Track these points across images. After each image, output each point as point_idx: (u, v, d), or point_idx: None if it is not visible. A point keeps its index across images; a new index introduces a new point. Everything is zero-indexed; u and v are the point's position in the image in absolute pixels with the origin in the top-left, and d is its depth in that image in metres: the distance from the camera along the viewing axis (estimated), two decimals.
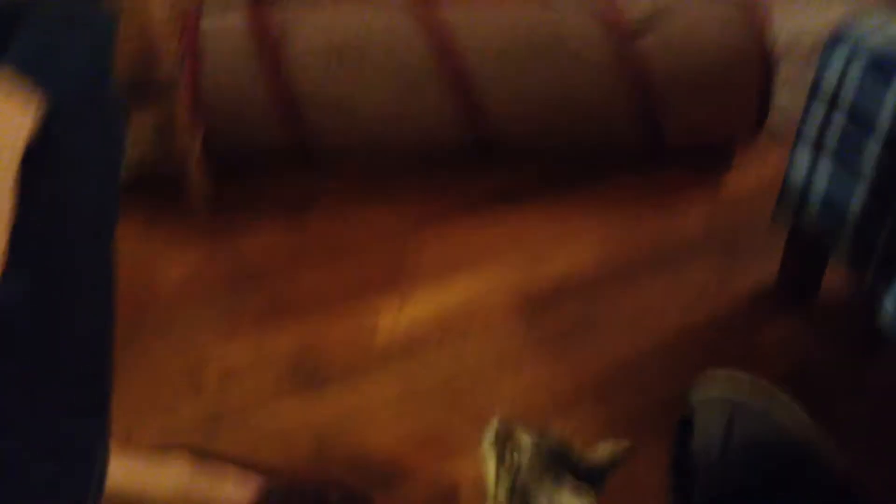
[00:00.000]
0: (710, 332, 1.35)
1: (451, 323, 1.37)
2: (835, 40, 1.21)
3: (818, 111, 1.25)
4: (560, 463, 0.80)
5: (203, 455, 1.03)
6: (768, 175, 1.66)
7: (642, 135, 1.64)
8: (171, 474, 0.96)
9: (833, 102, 1.23)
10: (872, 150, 1.16)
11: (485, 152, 1.69)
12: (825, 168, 1.24)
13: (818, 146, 1.25)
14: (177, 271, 1.48)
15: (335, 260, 1.50)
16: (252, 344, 1.33)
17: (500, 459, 0.81)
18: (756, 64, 1.60)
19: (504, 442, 0.81)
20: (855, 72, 1.18)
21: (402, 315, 1.38)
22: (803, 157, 1.27)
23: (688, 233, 1.54)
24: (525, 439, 0.81)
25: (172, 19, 1.46)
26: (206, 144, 1.60)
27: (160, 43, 1.45)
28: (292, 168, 1.70)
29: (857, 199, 1.20)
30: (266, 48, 1.58)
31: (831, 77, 1.22)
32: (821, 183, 1.25)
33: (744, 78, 1.61)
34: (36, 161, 0.75)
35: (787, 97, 1.85)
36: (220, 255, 1.52)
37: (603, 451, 0.81)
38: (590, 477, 0.83)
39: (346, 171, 1.70)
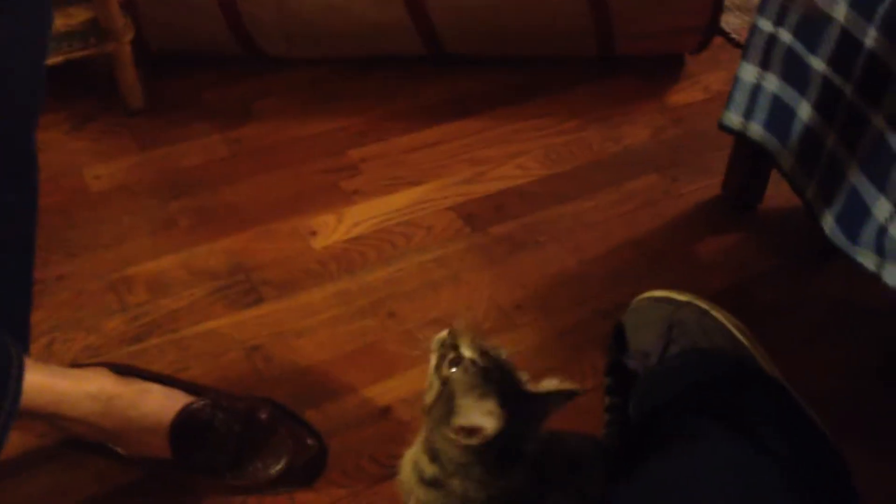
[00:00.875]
0: (653, 243, 1.33)
1: (389, 239, 1.33)
2: None
3: (765, 27, 1.21)
4: (492, 382, 0.77)
5: (126, 372, 0.99)
6: (716, 86, 1.63)
7: (594, 40, 1.59)
8: (89, 390, 0.92)
9: (780, 18, 1.19)
10: (817, 66, 1.13)
11: (433, 58, 1.63)
12: (771, 82, 1.21)
13: (765, 62, 1.22)
14: (105, 178, 1.41)
15: (271, 172, 1.45)
16: (183, 257, 1.28)
17: (437, 366, 0.79)
18: None
19: (449, 348, 0.79)
20: None
21: (340, 230, 1.34)
22: (750, 72, 1.24)
23: (633, 143, 1.51)
24: (467, 352, 0.78)
25: None
26: (140, 41, 1.52)
27: None
28: (230, 74, 1.63)
29: (802, 114, 1.17)
30: None
31: None
32: (766, 96, 1.22)
33: None
34: None
35: (738, 7, 1.82)
36: (152, 162, 1.45)
37: (547, 385, 0.79)
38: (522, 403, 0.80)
39: (285, 75, 1.63)
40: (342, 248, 1.31)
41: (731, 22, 1.75)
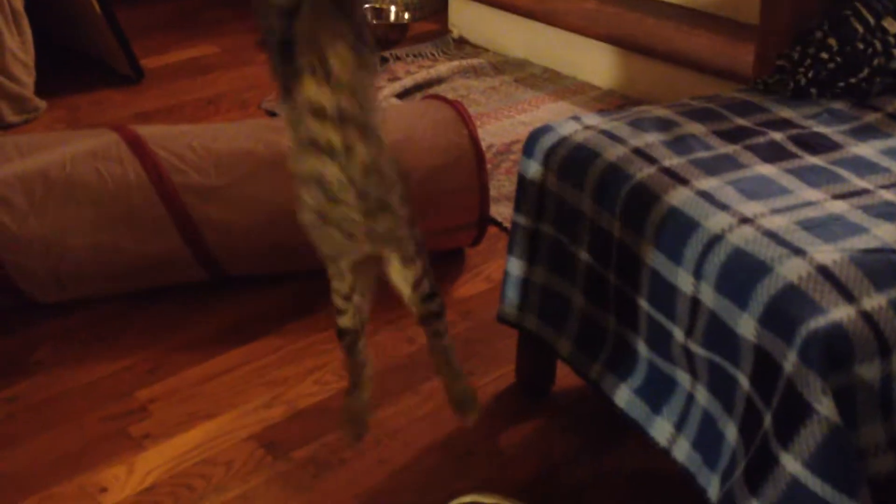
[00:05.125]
0: (458, 443, 1.33)
1: (187, 482, 1.26)
2: (528, 151, 1.26)
3: (525, 223, 1.28)
4: None
5: None
6: (497, 275, 1.69)
7: None
8: None
9: (539, 214, 1.26)
10: (581, 256, 1.20)
11: (216, 282, 1.61)
12: (539, 275, 1.27)
13: (531, 256, 1.28)
14: None
15: (53, 428, 1.35)
16: None
17: None
18: (472, 160, 1.63)
19: None
20: (551, 183, 1.22)
21: (132, 482, 1.26)
22: (517, 266, 1.30)
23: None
24: None
25: None
26: None
27: None
28: None
29: (576, 301, 1.23)
30: None
31: (531, 188, 1.26)
32: (536, 288, 1.28)
33: (463, 175, 1.64)
34: None
35: (506, 197, 1.92)
36: None
37: None
38: None
39: (60, 320, 1.56)
40: (136, 501, 1.23)
41: (503, 212, 1.84)
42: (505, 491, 1.18)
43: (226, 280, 1.62)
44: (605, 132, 1.21)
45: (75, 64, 2.54)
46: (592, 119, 1.26)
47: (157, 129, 1.64)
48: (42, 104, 2.30)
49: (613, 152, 1.17)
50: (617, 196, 1.12)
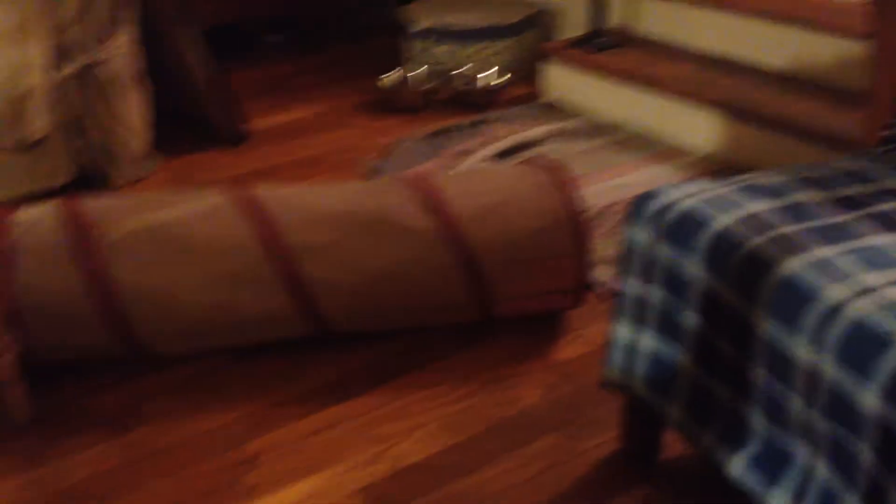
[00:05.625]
0: None
1: None
2: (634, 216, 1.27)
3: (633, 289, 1.29)
4: None
5: None
6: (598, 338, 1.70)
7: (475, 307, 1.66)
8: None
9: (646, 280, 1.27)
10: (692, 324, 1.20)
11: (317, 336, 1.66)
12: (647, 339, 1.27)
13: (639, 323, 1.29)
14: None
15: (169, 476, 1.40)
16: None
17: None
18: (571, 225, 1.66)
19: None
20: (660, 249, 1.23)
21: None
22: (625, 331, 1.30)
23: (527, 404, 1.54)
24: None
25: None
26: (22, 355, 1.49)
27: None
28: (113, 378, 1.61)
29: (683, 367, 1.23)
30: (80, 235, 1.54)
31: (639, 254, 1.27)
32: (645, 353, 1.28)
33: (561, 239, 1.66)
34: None
35: (607, 259, 1.93)
36: (44, 479, 1.39)
37: None
38: None
39: (172, 371, 1.62)
40: None
41: (600, 275, 1.85)
42: None
43: (330, 335, 1.66)
44: (713, 198, 1.22)
45: (182, 125, 2.65)
46: (700, 185, 1.27)
47: (267, 189, 1.71)
48: (154, 164, 2.41)
49: (724, 219, 1.18)
50: (729, 263, 1.13)
